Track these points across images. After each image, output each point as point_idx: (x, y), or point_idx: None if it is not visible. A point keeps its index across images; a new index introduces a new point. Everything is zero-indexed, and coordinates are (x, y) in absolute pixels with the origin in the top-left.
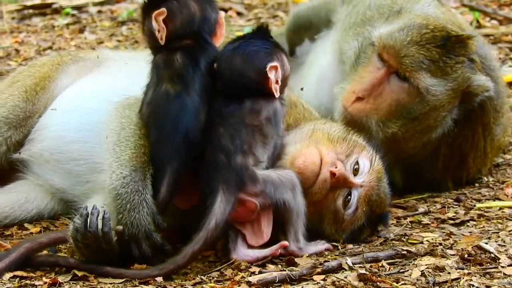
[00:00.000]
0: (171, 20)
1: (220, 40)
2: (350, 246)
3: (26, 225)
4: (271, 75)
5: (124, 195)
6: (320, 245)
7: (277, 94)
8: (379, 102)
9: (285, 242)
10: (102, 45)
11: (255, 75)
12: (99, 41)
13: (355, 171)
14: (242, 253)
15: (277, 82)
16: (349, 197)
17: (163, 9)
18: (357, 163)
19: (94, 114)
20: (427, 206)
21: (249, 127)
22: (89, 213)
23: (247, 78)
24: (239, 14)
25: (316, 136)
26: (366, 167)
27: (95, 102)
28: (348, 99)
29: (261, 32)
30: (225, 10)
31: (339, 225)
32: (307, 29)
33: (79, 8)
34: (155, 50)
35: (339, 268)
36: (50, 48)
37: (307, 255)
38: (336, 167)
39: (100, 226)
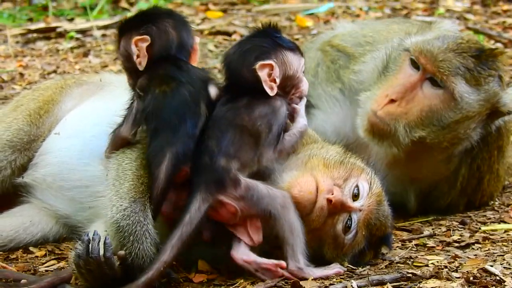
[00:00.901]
0: (151, 46)
1: (194, 63)
2: (356, 269)
3: (31, 248)
4: (262, 73)
5: (126, 227)
6: (329, 270)
7: (271, 92)
8: (411, 107)
9: (283, 262)
10: (106, 68)
11: (246, 73)
12: (104, 64)
13: (355, 196)
14: (241, 251)
15: (273, 80)
16: (349, 221)
17: (146, 37)
18: (356, 186)
19: (96, 140)
20: (432, 229)
21: (237, 127)
22: (91, 239)
23: (240, 76)
24: (243, 36)
25: (312, 162)
26: (365, 191)
27: (97, 128)
28: (379, 102)
29: (267, 30)
30: (229, 34)
31: (339, 249)
32: None
33: (83, 31)
34: (133, 73)
35: None
36: (55, 72)
37: (312, 278)
38: (332, 194)
39: (102, 251)
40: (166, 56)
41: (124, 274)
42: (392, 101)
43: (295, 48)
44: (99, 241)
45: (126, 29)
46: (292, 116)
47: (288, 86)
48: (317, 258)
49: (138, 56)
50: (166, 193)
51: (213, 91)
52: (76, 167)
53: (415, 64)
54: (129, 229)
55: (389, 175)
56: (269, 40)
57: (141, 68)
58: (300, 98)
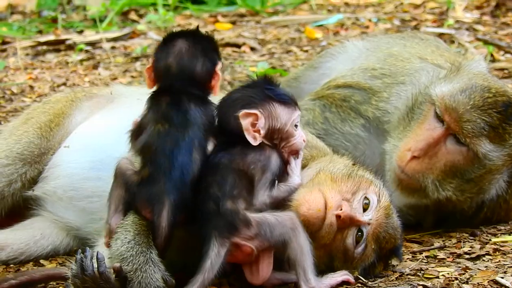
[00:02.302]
0: (153, 70)
1: (215, 91)
2: (366, 281)
3: (42, 261)
4: (244, 121)
5: (130, 258)
6: (337, 277)
7: (254, 142)
8: (434, 162)
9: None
10: (116, 81)
11: (232, 120)
12: (113, 77)
13: (366, 205)
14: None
15: (257, 130)
16: (359, 234)
17: (151, 59)
18: (366, 199)
19: (107, 151)
20: (443, 240)
21: (235, 172)
22: (83, 257)
23: (227, 123)
24: (252, 49)
25: (319, 178)
26: (374, 204)
27: (108, 139)
28: (403, 158)
29: (259, 81)
30: (239, 46)
31: (349, 263)
32: None
33: (92, 44)
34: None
35: None
36: (64, 84)
37: None
38: (341, 209)
39: (96, 267)
40: (171, 84)
41: (123, 286)
42: (414, 157)
43: (287, 101)
44: (92, 257)
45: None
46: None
47: (276, 138)
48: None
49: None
50: (170, 241)
51: (209, 145)
52: (86, 178)
53: (439, 117)
54: (133, 259)
55: (411, 202)
56: (259, 90)
57: (147, 87)
58: (294, 154)
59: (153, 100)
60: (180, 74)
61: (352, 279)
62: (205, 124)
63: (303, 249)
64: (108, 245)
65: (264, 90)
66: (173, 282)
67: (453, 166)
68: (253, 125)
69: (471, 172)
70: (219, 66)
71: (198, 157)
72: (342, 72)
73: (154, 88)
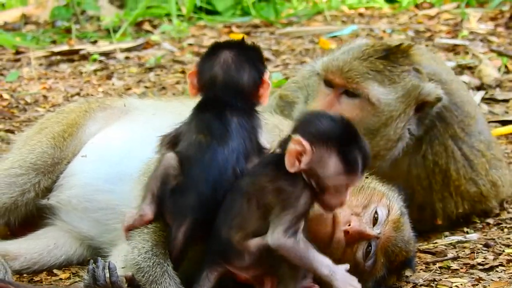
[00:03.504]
0: (198, 80)
1: (264, 101)
2: None
3: (55, 271)
4: (292, 145)
5: (146, 268)
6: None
7: (290, 168)
8: None
9: None
10: (130, 91)
11: (286, 140)
12: (127, 87)
13: (375, 220)
14: None
15: (299, 161)
16: (369, 248)
17: (194, 70)
18: (376, 213)
19: (122, 165)
20: (456, 251)
21: (245, 195)
22: (95, 267)
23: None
24: (266, 60)
25: None
26: (383, 217)
27: (124, 153)
28: None
29: (345, 125)
30: None
31: (360, 276)
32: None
33: (106, 54)
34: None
35: None
36: (78, 94)
37: None
38: (349, 225)
39: (108, 276)
40: (216, 95)
41: None
42: None
43: (347, 163)
44: (104, 267)
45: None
46: None
47: (313, 181)
48: None
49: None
50: (185, 254)
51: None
52: (102, 189)
53: (328, 83)
54: (150, 270)
55: None
56: (334, 132)
57: (191, 97)
58: (328, 207)
59: (198, 110)
60: (226, 85)
61: None
62: (248, 139)
63: (295, 270)
64: (127, 230)
65: (337, 134)
66: None
67: (354, 122)
68: (299, 154)
69: (373, 124)
70: (267, 75)
71: (233, 173)
72: (286, 84)
73: (197, 97)
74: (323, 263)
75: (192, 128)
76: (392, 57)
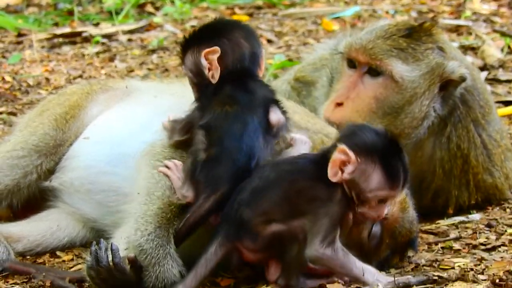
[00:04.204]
0: (223, 59)
1: (261, 72)
2: (382, 272)
3: (58, 253)
4: (336, 155)
5: (149, 250)
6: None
7: (332, 178)
8: (358, 104)
9: None
10: (132, 73)
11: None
12: (130, 69)
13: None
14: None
15: (342, 171)
16: (376, 228)
17: (217, 48)
18: None
19: (125, 146)
20: (458, 231)
21: (278, 189)
22: (97, 249)
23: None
24: (269, 41)
25: None
26: None
27: (126, 135)
28: (328, 109)
29: (387, 136)
30: None
31: (365, 257)
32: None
33: (109, 36)
34: (202, 88)
35: None
36: (80, 76)
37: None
38: None
39: (110, 258)
40: (239, 69)
41: (138, 277)
42: (338, 104)
43: (390, 176)
44: (106, 249)
45: (193, 43)
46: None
47: (353, 193)
48: None
49: (209, 69)
50: (204, 220)
51: (274, 117)
52: (104, 171)
53: (351, 63)
54: (152, 252)
55: None
56: (377, 142)
57: (214, 81)
58: (360, 221)
59: (216, 88)
60: (252, 57)
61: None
62: (265, 106)
63: (298, 255)
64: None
65: (381, 148)
66: None
67: (378, 101)
68: (343, 164)
69: (397, 102)
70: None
71: (264, 141)
72: (300, 66)
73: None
74: (366, 270)
75: (216, 102)
76: (415, 35)
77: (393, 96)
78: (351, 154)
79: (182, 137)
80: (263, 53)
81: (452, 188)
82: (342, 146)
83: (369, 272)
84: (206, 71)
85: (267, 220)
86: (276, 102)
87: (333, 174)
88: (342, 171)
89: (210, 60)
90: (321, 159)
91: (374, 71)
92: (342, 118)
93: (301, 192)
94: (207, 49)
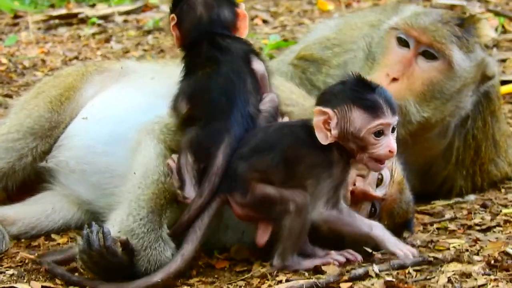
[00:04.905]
0: (181, 25)
1: (244, 32)
2: (377, 253)
3: (53, 235)
4: (316, 118)
5: (141, 234)
6: (318, 260)
7: (323, 141)
8: (412, 82)
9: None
10: (128, 54)
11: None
12: (125, 50)
13: (379, 181)
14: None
15: (328, 130)
16: (373, 209)
17: (172, 15)
18: (380, 174)
19: (123, 127)
20: (454, 212)
21: (278, 153)
22: (89, 232)
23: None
24: (264, 21)
25: None
26: (387, 179)
27: (124, 116)
28: (381, 81)
29: (352, 80)
30: (251, 18)
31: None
32: None
33: (105, 17)
34: (182, 51)
35: (366, 276)
36: (76, 58)
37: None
38: (354, 185)
39: (102, 241)
40: (202, 33)
41: (130, 260)
42: (394, 79)
43: (368, 106)
44: (98, 232)
45: (171, 8)
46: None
47: (351, 143)
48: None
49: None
50: (224, 172)
51: (257, 66)
52: (100, 151)
53: (403, 42)
54: (144, 236)
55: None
56: (345, 89)
57: (176, 48)
58: (374, 164)
59: (189, 56)
60: (212, 22)
61: (336, 260)
62: (245, 58)
63: (292, 233)
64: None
65: (349, 90)
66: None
67: (431, 83)
68: (325, 123)
69: (448, 88)
70: (242, 6)
71: (251, 85)
72: (303, 45)
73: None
74: (374, 226)
75: (196, 66)
76: (466, 25)
77: (446, 82)
78: (327, 110)
79: (186, 108)
80: (240, 12)
81: (458, 177)
82: (317, 108)
83: (377, 226)
84: (175, 39)
85: (260, 179)
86: (254, 52)
87: (322, 137)
88: (329, 130)
89: (171, 27)
90: (310, 127)
91: (430, 54)
92: (398, 94)
93: (299, 159)
94: (170, 18)
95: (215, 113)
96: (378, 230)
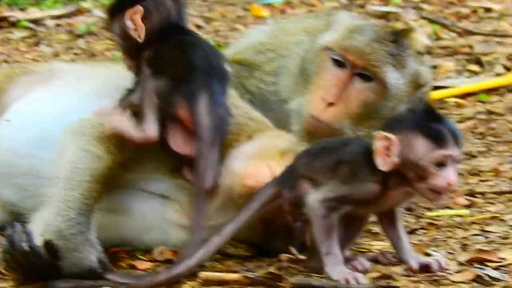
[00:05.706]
0: (147, 17)
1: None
2: (300, 255)
3: None
4: (378, 143)
5: (68, 236)
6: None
7: (382, 167)
8: (348, 105)
9: None
10: (58, 58)
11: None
12: (55, 54)
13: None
14: None
15: (389, 156)
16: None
17: (138, 7)
18: None
19: (46, 129)
20: None
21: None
22: (12, 233)
23: None
24: (198, 27)
25: (267, 153)
26: None
27: (50, 117)
28: (317, 107)
29: (421, 107)
30: None
31: (290, 238)
32: None
33: (36, 21)
34: (133, 53)
35: None
36: (6, 61)
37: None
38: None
39: (26, 242)
40: (167, 25)
41: (55, 261)
42: (330, 104)
43: (433, 136)
44: (22, 233)
45: (118, 8)
46: None
47: (410, 172)
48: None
49: (135, 30)
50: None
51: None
52: (25, 154)
53: (338, 62)
54: (71, 238)
55: None
56: (410, 117)
57: (140, 39)
58: (433, 195)
59: (156, 44)
60: (177, 15)
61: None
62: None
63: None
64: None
65: (415, 118)
66: (109, 263)
67: (366, 105)
68: (387, 149)
69: (383, 107)
70: None
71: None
72: (236, 49)
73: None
74: (332, 256)
75: (166, 50)
76: (400, 40)
77: (380, 102)
78: (390, 136)
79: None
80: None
81: None
82: (379, 133)
83: (333, 259)
84: (132, 32)
85: (309, 178)
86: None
87: (382, 163)
88: (389, 157)
89: (135, 20)
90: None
91: (365, 76)
92: (334, 119)
93: (343, 163)
94: (130, 10)
95: (193, 76)
96: (330, 260)
